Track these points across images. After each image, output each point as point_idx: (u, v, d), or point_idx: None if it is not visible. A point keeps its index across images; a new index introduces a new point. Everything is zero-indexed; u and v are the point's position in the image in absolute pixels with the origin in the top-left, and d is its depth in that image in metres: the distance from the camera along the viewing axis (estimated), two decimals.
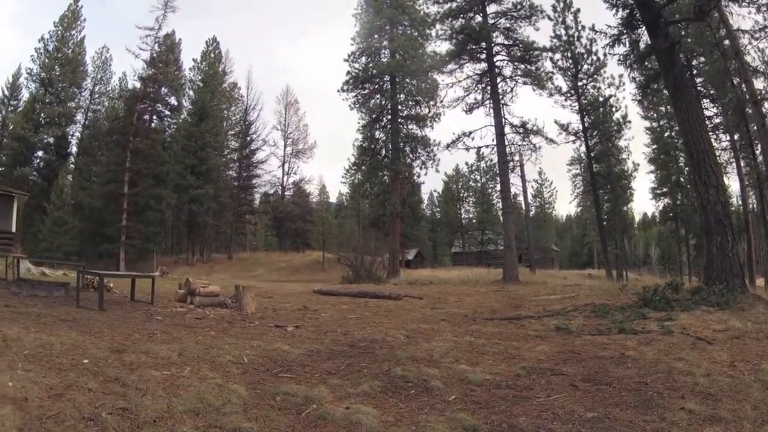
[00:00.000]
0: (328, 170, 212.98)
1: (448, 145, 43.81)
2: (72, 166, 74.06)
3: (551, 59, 42.37)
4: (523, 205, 66.42)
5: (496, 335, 10.95)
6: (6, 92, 75.69)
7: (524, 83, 40.87)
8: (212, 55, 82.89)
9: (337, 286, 27.77)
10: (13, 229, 30.14)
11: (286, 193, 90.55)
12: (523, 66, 40.61)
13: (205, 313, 13.81)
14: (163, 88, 69.10)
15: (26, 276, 20.00)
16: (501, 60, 40.99)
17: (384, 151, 51.99)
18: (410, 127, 50.44)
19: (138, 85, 67.49)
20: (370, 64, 51.62)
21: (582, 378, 7.15)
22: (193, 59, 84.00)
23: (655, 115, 54.67)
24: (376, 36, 51.61)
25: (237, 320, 13.03)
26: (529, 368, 7.72)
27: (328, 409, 5.76)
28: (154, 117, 70.76)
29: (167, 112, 73.13)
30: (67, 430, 5.00)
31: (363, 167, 55.65)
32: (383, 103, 51.29)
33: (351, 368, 7.94)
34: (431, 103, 49.21)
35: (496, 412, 5.66)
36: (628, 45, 23.87)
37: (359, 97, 51.86)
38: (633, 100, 47.25)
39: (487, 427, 5.18)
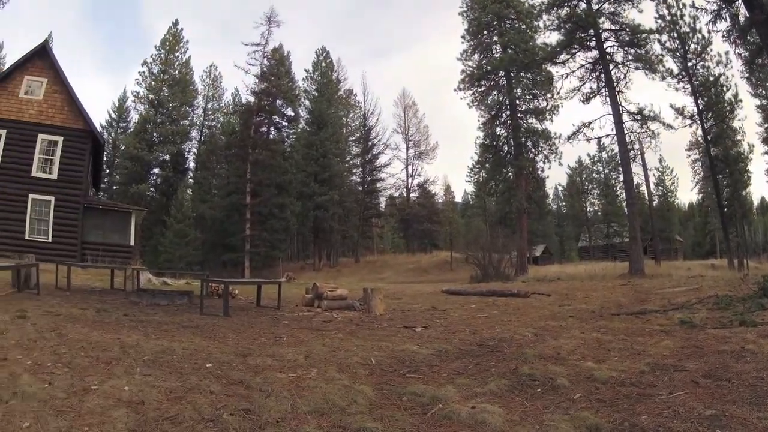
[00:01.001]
0: (451, 170, 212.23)
1: (569, 137, 43.15)
2: (191, 180, 77.07)
3: (659, 41, 40.75)
4: (646, 195, 64.79)
5: (622, 331, 10.66)
6: (113, 115, 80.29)
7: (636, 68, 39.81)
8: (324, 64, 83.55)
9: (466, 286, 27.57)
10: (132, 243, 31.99)
11: (411, 195, 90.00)
12: (632, 50, 39.40)
13: (332, 317, 13.86)
14: (278, 101, 70.28)
15: (147, 286, 20.59)
16: (611, 46, 39.89)
17: (506, 148, 51.40)
18: (530, 121, 49.67)
19: (252, 99, 68.96)
20: (483, 61, 51.21)
21: (703, 374, 6.89)
22: (305, 70, 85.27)
23: (764, 92, 52.70)
24: (485, 32, 51.18)
25: (365, 322, 13.01)
26: (653, 364, 7.46)
27: (453, 409, 5.68)
28: (272, 129, 72.12)
29: (284, 123, 74.58)
30: (184, 431, 5.19)
31: (486, 165, 55.22)
32: (501, 99, 50.67)
33: (479, 367, 7.83)
34: (548, 95, 48.40)
35: (618, 410, 5.50)
36: (728, 20, 23.18)
37: (476, 95, 51.41)
38: (741, 77, 45.69)
39: (609, 426, 5.04)
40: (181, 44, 75.60)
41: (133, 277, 20.01)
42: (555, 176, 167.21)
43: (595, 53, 40.08)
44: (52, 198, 30.49)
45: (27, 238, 29.82)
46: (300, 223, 73.40)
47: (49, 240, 30.24)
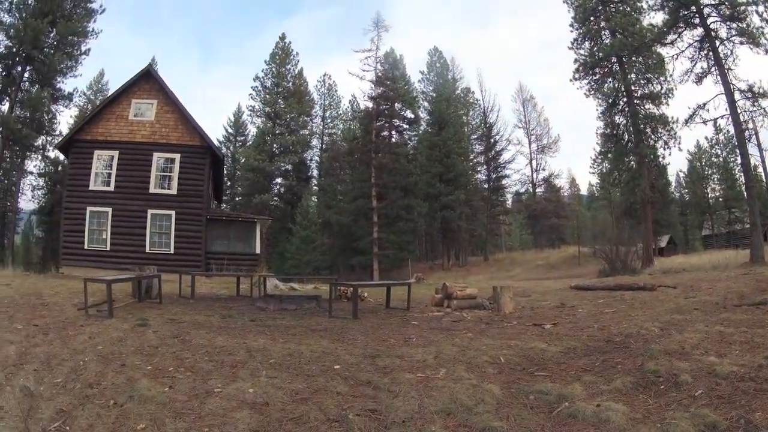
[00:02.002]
0: (575, 162, 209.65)
1: (686, 121, 41.53)
2: (315, 187, 78.22)
3: (756, 12, 39.61)
4: (764, 177, 62.68)
5: (743, 323, 10.32)
6: (230, 130, 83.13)
7: (741, 43, 38.58)
8: (438, 64, 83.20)
9: (594, 281, 27.22)
10: (257, 251, 32.53)
11: (537, 190, 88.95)
12: (735, 25, 38.25)
13: (462, 316, 13.87)
14: (396, 104, 70.19)
15: (274, 292, 20.86)
16: (714, 21, 38.64)
17: (626, 136, 50.46)
18: (647, 106, 48.63)
19: (370, 104, 69.18)
20: (594, 48, 50.39)
21: None
22: (420, 71, 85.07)
23: None
24: (592, 18, 50.25)
25: (494, 321, 13.00)
26: None
27: (579, 407, 5.68)
28: (393, 132, 72.28)
29: (405, 126, 74.54)
30: (308, 431, 5.35)
31: (609, 155, 54.10)
32: (616, 85, 49.70)
33: (605, 364, 7.74)
34: (661, 78, 47.33)
35: (736, 406, 5.41)
36: None
37: (592, 84, 50.54)
38: None
39: (726, 423, 4.95)
40: (291, 56, 77.18)
41: (260, 284, 20.40)
42: (675, 162, 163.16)
43: (700, 30, 38.72)
44: (172, 212, 31.72)
45: (147, 251, 31.07)
46: (428, 224, 73.53)
47: (172, 252, 31.41)
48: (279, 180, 75.12)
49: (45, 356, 8.32)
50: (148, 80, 33.33)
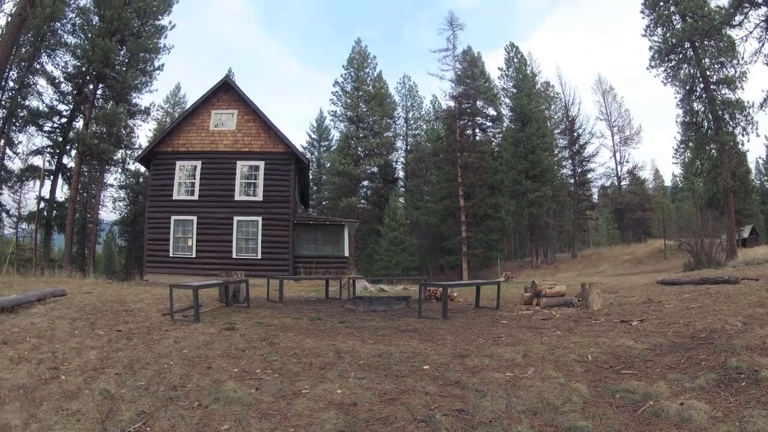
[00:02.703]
0: (658, 153, 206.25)
1: (761, 105, 41.11)
2: (402, 189, 78.45)
3: None
4: None
5: None
6: (314, 135, 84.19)
7: None
8: (515, 59, 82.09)
9: (679, 275, 26.71)
10: (346, 254, 32.70)
11: (622, 183, 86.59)
12: None
13: (551, 314, 13.86)
14: (478, 102, 70.24)
15: (363, 294, 20.86)
16: None
17: (706, 123, 49.52)
18: (723, 92, 47.69)
19: (452, 103, 69.37)
20: (667, 34, 49.50)
21: None
22: (498, 68, 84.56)
23: None
24: (661, 3, 49.45)
25: (583, 318, 12.98)
26: None
27: (663, 406, 5.66)
28: (476, 130, 72.17)
29: (488, 124, 74.71)
30: (395, 431, 5.45)
31: (690, 144, 53.07)
32: (692, 71, 48.83)
33: (690, 361, 7.64)
34: (734, 62, 46.46)
35: None
36: None
37: (668, 71, 49.65)
38: None
39: None
40: (368, 60, 77.29)
41: (349, 286, 20.46)
42: (754, 149, 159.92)
43: (765, 9, 37.98)
44: (259, 218, 32.32)
45: (234, 256, 31.79)
46: (515, 222, 73.10)
47: (259, 257, 31.94)
48: (365, 183, 75.77)
49: (128, 360, 8.63)
50: (226, 91, 34.11)
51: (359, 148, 72.78)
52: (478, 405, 6.00)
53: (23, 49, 50.73)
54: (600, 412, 5.75)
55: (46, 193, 53.29)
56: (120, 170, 62.49)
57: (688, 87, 48.76)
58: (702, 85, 47.63)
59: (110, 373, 7.90)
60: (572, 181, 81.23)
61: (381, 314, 14.69)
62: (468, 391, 6.62)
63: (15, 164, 57.90)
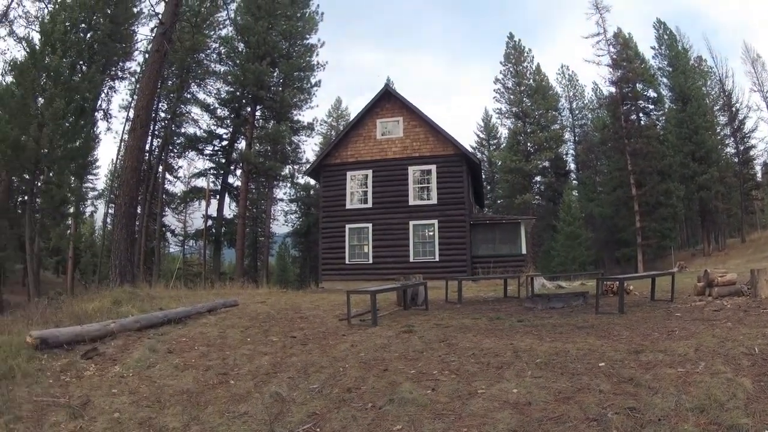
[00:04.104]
0: None
1: None
2: (575, 181, 77.41)
3: None
4: None
5: None
6: (482, 135, 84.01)
7: None
8: (665, 36, 79.19)
9: None
10: (523, 252, 32.22)
11: None
12: None
13: (722, 304, 13.25)
14: (637, 85, 68.08)
15: (541, 291, 20.58)
16: None
17: None
18: None
19: (612, 89, 67.70)
20: None
21: None
22: (651, 47, 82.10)
23: None
24: None
25: (752, 307, 12.34)
26: None
27: None
28: (640, 114, 70.01)
29: (650, 107, 71.82)
30: (566, 431, 5.53)
31: None
32: None
33: None
34: None
35: None
36: None
37: None
38: None
39: None
40: (525, 54, 76.32)
41: (527, 284, 20.08)
42: None
43: None
44: (434, 221, 32.41)
45: (411, 260, 32.00)
46: (685, 207, 70.23)
47: (437, 259, 31.98)
48: (538, 178, 74.57)
49: (302, 365, 9.01)
50: (389, 99, 34.72)
51: (528, 144, 71.98)
52: (649, 402, 5.98)
53: (170, 82, 54.18)
54: (760, 408, 5.64)
55: (212, 211, 56.98)
56: (289, 184, 65.60)
57: None
58: None
59: (282, 377, 8.31)
60: (736, 160, 76.53)
61: (559, 311, 14.54)
62: (640, 388, 6.57)
63: (177, 187, 62.94)
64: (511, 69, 75.37)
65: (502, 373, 7.57)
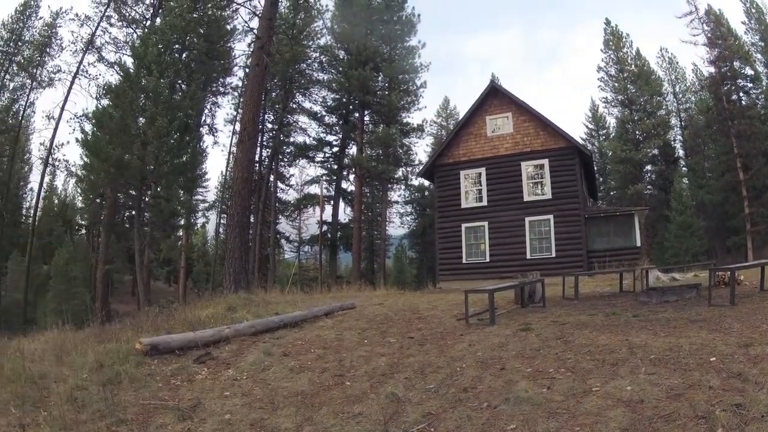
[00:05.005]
0: None
1: None
2: (684, 168, 74.97)
3: None
4: None
5: None
6: (591, 126, 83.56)
7: None
8: (753, 10, 75.98)
9: None
10: (638, 244, 31.67)
11: None
12: None
13: None
14: (734, 63, 65.79)
15: (655, 284, 19.86)
16: None
17: None
18: None
19: (711, 69, 66.02)
20: None
21: None
22: (742, 22, 79.87)
23: None
24: None
25: None
26: None
27: None
28: (740, 93, 67.31)
29: (749, 85, 68.85)
30: (675, 429, 5.48)
31: None
32: None
33: None
34: None
35: None
36: None
37: None
38: None
39: None
40: (623, 39, 75.07)
41: (642, 277, 19.91)
42: None
43: None
44: (550, 216, 32.12)
45: (528, 257, 31.79)
46: None
47: (553, 255, 31.71)
48: (648, 167, 73.11)
49: (419, 365, 9.18)
50: (495, 96, 34.69)
51: (636, 132, 70.58)
52: (755, 399, 5.85)
53: (273, 93, 54.95)
54: None
55: (327, 216, 57.94)
56: (403, 187, 66.22)
57: None
58: None
59: (399, 378, 8.51)
60: None
61: (673, 305, 14.07)
62: (748, 383, 6.45)
63: (289, 195, 65.05)
64: (611, 56, 74.22)
65: (617, 370, 7.57)
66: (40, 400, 8.04)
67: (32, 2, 57.72)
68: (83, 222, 68.53)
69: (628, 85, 70.94)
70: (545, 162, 32.53)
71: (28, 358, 10.57)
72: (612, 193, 75.46)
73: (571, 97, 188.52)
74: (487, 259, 32.51)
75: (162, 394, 8.40)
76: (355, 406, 7.25)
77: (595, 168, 57.29)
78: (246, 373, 9.39)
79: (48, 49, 55.95)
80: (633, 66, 72.60)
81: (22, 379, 8.89)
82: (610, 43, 73.94)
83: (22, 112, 60.38)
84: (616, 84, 72.46)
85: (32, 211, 58.04)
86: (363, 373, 8.97)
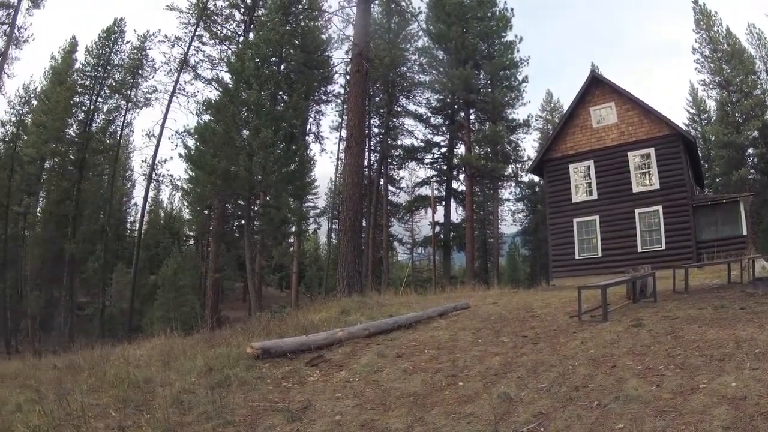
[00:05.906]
0: None
1: None
2: None
3: None
4: None
5: None
6: (692, 110, 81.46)
7: None
8: None
9: None
10: (744, 232, 30.88)
11: None
12: None
13: None
14: None
15: (762, 275, 19.27)
16: None
17: None
18: None
19: None
20: None
21: None
22: None
23: None
24: None
25: None
26: None
27: None
28: None
29: None
30: None
31: None
32: None
33: None
34: None
35: None
36: None
37: None
38: None
39: None
40: (713, 18, 72.96)
41: (748, 267, 19.42)
42: None
43: None
44: (659, 207, 31.47)
45: (639, 250, 31.21)
46: None
47: (663, 247, 31.03)
48: (750, 150, 70.29)
49: (532, 364, 9.10)
50: (597, 86, 34.25)
51: (736, 114, 68.01)
52: None
53: (377, 98, 55.52)
54: None
55: (439, 217, 57.52)
56: (514, 184, 65.84)
57: None
58: None
59: (512, 377, 8.48)
60: None
61: None
62: None
63: (401, 198, 65.61)
64: (704, 36, 72.19)
65: (723, 366, 7.44)
66: (144, 404, 8.35)
67: (116, 28, 60.72)
68: (191, 233, 71.17)
69: (723, 65, 69.05)
70: (651, 151, 31.95)
71: (133, 363, 10.97)
72: (717, 180, 73.06)
73: (664, 83, 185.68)
74: (600, 254, 32.17)
75: (272, 396, 8.65)
76: (466, 406, 7.32)
77: (699, 154, 56.55)
78: (358, 374, 9.54)
79: (140, 71, 59.37)
80: (725, 45, 70.75)
81: (125, 384, 9.23)
82: (701, 23, 72.04)
83: (120, 132, 63.72)
84: (711, 65, 70.61)
85: (137, 225, 61.55)
86: (476, 373, 9.00)
